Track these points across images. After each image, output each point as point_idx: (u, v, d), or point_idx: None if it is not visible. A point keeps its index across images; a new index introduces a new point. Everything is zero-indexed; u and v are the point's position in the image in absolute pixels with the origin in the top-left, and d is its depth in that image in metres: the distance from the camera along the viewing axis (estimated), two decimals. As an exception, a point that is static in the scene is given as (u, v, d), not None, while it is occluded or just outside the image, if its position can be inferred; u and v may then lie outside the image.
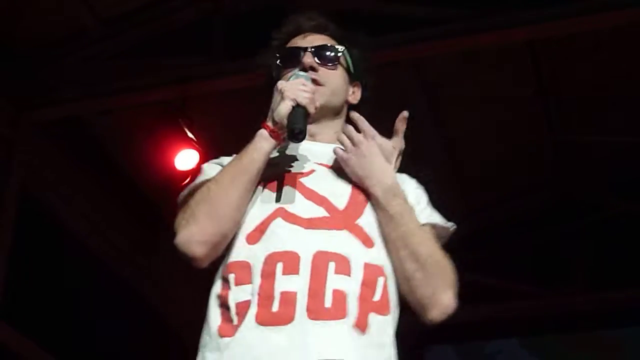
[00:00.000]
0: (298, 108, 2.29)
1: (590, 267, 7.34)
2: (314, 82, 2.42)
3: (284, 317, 2.13)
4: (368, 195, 2.33)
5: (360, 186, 2.34)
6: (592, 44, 5.76)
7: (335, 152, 2.35)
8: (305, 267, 2.18)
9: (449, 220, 2.45)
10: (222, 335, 2.18)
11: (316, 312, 2.13)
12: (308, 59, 2.47)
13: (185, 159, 5.56)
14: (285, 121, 2.27)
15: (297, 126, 2.26)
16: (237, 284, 2.21)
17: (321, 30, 2.56)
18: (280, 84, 2.35)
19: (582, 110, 6.36)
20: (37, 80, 5.63)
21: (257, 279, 2.18)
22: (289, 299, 2.15)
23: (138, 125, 5.69)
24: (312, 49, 2.49)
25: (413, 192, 2.46)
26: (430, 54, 5.57)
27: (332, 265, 2.18)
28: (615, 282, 7.12)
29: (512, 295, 7.43)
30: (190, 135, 5.52)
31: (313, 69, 2.46)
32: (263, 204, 2.30)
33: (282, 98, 2.29)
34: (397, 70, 5.71)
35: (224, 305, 2.22)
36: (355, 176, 2.34)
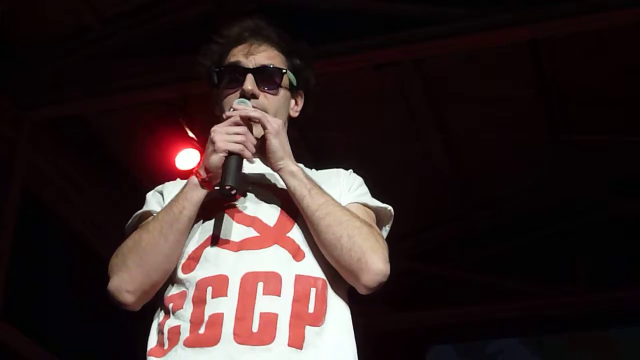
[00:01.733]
0: (231, 157, 2.26)
1: (592, 266, 7.35)
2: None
3: (211, 339, 2.16)
4: (288, 191, 2.32)
5: (287, 200, 2.33)
6: (593, 43, 5.75)
7: (268, 127, 2.31)
8: (233, 289, 2.20)
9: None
10: (152, 357, 2.25)
11: (243, 336, 2.15)
12: (249, 85, 2.43)
13: (186, 158, 5.58)
14: (218, 171, 2.26)
15: (227, 184, 2.24)
16: (173, 312, 2.26)
17: (264, 40, 2.52)
18: (213, 131, 2.30)
19: (583, 109, 6.36)
20: (39, 79, 5.63)
21: (189, 305, 2.23)
22: (215, 321, 2.18)
23: (139, 124, 5.70)
24: (254, 70, 2.45)
25: (344, 179, 2.49)
26: (431, 54, 5.57)
27: (260, 286, 2.20)
28: (616, 282, 7.14)
29: (513, 294, 7.43)
30: (191, 134, 5.53)
31: (254, 96, 2.43)
32: (196, 234, 2.33)
33: (214, 149, 2.26)
34: (398, 70, 5.72)
35: (160, 331, 2.28)
36: (276, 156, 2.32)
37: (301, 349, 2.16)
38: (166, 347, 2.23)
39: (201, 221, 2.35)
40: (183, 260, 2.32)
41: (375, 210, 2.43)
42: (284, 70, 2.49)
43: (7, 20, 5.40)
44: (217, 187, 2.29)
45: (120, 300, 2.31)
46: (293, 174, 2.31)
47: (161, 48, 5.57)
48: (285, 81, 2.50)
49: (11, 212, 5.54)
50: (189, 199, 2.29)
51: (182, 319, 2.24)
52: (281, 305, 2.18)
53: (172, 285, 2.32)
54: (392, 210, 2.46)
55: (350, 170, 2.54)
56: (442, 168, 6.81)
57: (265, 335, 2.15)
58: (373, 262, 2.23)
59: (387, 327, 7.71)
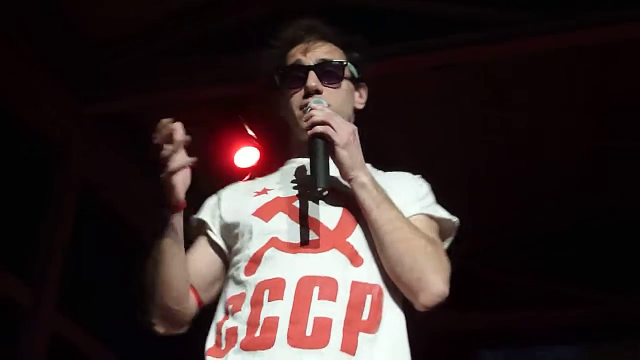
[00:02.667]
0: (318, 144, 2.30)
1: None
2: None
3: (265, 342, 2.18)
4: (353, 195, 2.32)
5: (349, 204, 2.34)
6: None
7: (325, 133, 2.30)
8: (289, 292, 2.21)
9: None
10: (211, 357, 2.29)
11: (296, 339, 2.16)
12: (312, 81, 2.45)
13: (245, 156, 5.59)
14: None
15: (320, 186, 2.26)
16: (232, 313, 2.29)
17: (321, 36, 2.54)
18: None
19: (633, 116, 6.27)
20: (99, 75, 5.69)
21: (246, 307, 2.26)
22: (271, 324, 2.19)
23: (199, 121, 5.73)
24: (315, 67, 2.47)
25: (411, 186, 2.47)
26: (490, 57, 5.54)
27: (316, 291, 2.21)
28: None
29: (567, 301, 7.37)
30: (250, 132, 5.54)
31: (318, 91, 2.44)
32: (259, 235, 2.34)
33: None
34: (456, 72, 5.70)
35: (218, 331, 2.31)
36: (345, 167, 2.32)
37: (354, 355, 2.16)
38: (223, 347, 2.26)
39: (262, 222, 2.37)
40: (245, 263, 2.34)
41: (439, 221, 2.43)
42: (345, 63, 2.50)
43: (71, 16, 5.47)
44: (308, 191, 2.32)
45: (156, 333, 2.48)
46: (363, 186, 2.30)
47: (224, 46, 5.60)
48: (346, 74, 2.51)
49: (68, 206, 5.61)
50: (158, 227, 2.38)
51: (239, 321, 2.26)
52: (336, 311, 2.19)
53: (234, 286, 2.35)
54: (457, 222, 2.46)
55: (419, 177, 2.53)
56: (505, 170, 6.77)
57: (318, 339, 2.15)
58: (433, 282, 2.25)
59: (437, 328, 7.69)
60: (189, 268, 2.43)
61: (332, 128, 2.30)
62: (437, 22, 5.21)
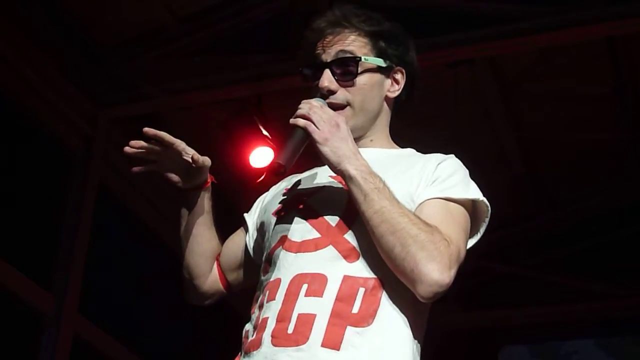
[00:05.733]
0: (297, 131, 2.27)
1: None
2: (333, 106, 2.36)
3: (256, 344, 2.18)
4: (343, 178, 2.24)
5: (351, 199, 2.24)
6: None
7: (306, 129, 2.24)
8: (281, 292, 2.20)
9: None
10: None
11: (279, 337, 2.14)
12: (325, 82, 2.39)
13: (260, 156, 5.59)
14: None
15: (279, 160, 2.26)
16: (250, 315, 2.32)
17: (343, 27, 2.45)
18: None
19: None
20: (116, 77, 5.70)
21: (257, 310, 2.27)
22: (262, 325, 2.19)
23: (213, 122, 5.73)
24: (330, 65, 2.41)
25: (426, 169, 2.32)
26: (506, 52, 5.52)
27: (304, 288, 2.17)
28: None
29: (590, 295, 7.34)
30: (265, 132, 5.54)
31: (331, 92, 2.39)
32: (274, 234, 2.35)
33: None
34: (473, 67, 5.68)
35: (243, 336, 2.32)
36: (330, 163, 2.23)
37: (338, 350, 2.10)
38: (241, 352, 2.27)
39: (277, 221, 2.37)
40: (263, 263, 2.36)
41: (462, 203, 2.28)
42: (359, 58, 2.41)
43: (86, 20, 5.49)
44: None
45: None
46: (350, 179, 2.20)
47: (236, 46, 5.60)
48: (366, 67, 2.43)
49: (88, 208, 5.62)
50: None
51: (250, 324, 2.27)
52: (321, 306, 2.14)
53: (258, 288, 2.37)
54: (485, 202, 2.32)
55: (445, 157, 2.39)
56: (517, 166, 6.75)
57: (299, 335, 2.12)
58: (427, 272, 2.10)
59: (460, 325, 7.68)
60: (220, 247, 2.61)
61: (313, 123, 2.23)
62: (451, 18, 5.20)
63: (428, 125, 5.97)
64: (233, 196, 5.35)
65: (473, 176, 2.37)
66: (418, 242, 2.12)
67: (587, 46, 5.71)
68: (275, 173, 2.26)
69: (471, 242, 2.35)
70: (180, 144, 2.49)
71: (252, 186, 5.51)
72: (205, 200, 2.58)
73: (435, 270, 2.11)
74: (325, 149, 2.22)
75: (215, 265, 2.59)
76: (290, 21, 5.44)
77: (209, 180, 2.57)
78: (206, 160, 2.51)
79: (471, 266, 8.29)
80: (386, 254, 2.15)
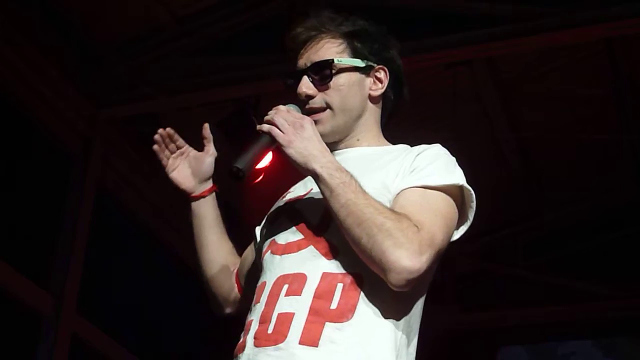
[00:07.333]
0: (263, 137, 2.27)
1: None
2: (312, 110, 2.37)
3: (241, 347, 2.20)
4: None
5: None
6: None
7: (269, 133, 2.23)
8: (265, 294, 2.21)
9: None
10: None
11: (260, 338, 2.15)
12: (302, 88, 2.40)
13: (258, 156, 5.59)
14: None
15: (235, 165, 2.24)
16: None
17: (318, 31, 2.47)
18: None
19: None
20: (115, 77, 5.71)
21: (248, 314, 2.29)
22: (247, 328, 2.22)
23: (212, 122, 5.73)
24: (306, 72, 2.42)
25: (408, 159, 2.30)
26: (505, 52, 5.53)
27: (285, 288, 2.18)
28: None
29: (586, 296, 7.35)
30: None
31: (309, 97, 2.39)
32: (264, 239, 2.39)
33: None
34: (471, 68, 5.69)
35: None
36: (297, 164, 2.22)
37: (316, 346, 2.10)
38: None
39: (268, 227, 2.39)
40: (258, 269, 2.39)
41: (445, 190, 2.24)
42: (331, 60, 2.41)
43: (84, 21, 5.49)
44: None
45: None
46: (317, 177, 2.19)
47: (235, 46, 5.61)
48: (342, 67, 2.43)
49: (86, 208, 5.62)
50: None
51: (242, 330, 2.28)
52: (300, 304, 2.14)
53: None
54: (465, 186, 2.28)
55: (427, 147, 2.36)
56: (516, 168, 6.75)
57: (278, 335, 2.13)
58: (394, 260, 2.07)
59: (459, 326, 7.69)
60: (234, 251, 2.67)
61: (277, 128, 2.23)
62: (449, 19, 5.20)
63: (427, 125, 5.98)
64: (231, 196, 5.36)
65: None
66: (383, 231, 2.09)
67: (586, 47, 5.72)
68: (233, 177, 2.24)
69: (462, 230, 2.32)
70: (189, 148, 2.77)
71: (249, 186, 5.52)
72: (211, 208, 2.66)
73: (403, 257, 2.07)
74: (291, 151, 2.21)
75: (234, 277, 2.63)
76: (289, 21, 5.43)
77: (213, 185, 2.67)
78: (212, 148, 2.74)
79: (470, 267, 8.33)
80: (356, 247, 2.13)
